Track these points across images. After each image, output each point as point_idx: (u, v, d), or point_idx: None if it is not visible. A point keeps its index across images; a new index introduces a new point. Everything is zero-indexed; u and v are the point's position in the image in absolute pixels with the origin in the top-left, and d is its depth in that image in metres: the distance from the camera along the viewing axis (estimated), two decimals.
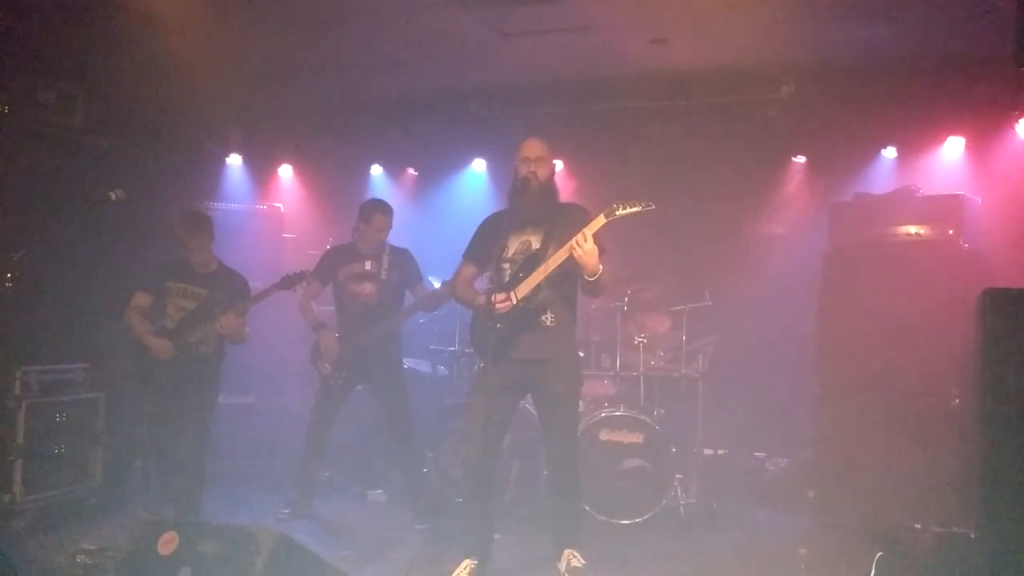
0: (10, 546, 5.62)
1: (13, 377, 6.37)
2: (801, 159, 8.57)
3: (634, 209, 5.05)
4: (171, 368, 6.32)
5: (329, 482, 7.66)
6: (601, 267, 5.16)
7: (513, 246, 5.48)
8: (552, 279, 5.28)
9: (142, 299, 6.46)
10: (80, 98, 7.45)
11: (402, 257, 7.04)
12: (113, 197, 6.02)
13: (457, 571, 5.35)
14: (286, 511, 6.91)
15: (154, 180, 7.93)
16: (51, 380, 6.65)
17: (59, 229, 7.00)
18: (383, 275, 6.90)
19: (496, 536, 5.66)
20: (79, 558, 5.51)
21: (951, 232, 6.61)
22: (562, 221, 5.36)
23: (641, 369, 7.41)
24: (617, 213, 5.05)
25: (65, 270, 7.13)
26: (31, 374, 6.49)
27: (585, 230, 5.07)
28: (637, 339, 7.40)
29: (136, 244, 7.53)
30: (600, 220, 5.08)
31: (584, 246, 5.05)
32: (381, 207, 7.01)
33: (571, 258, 5.12)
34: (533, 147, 5.52)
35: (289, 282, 6.47)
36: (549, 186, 5.58)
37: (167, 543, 4.16)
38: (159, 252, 6.97)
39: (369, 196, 7.47)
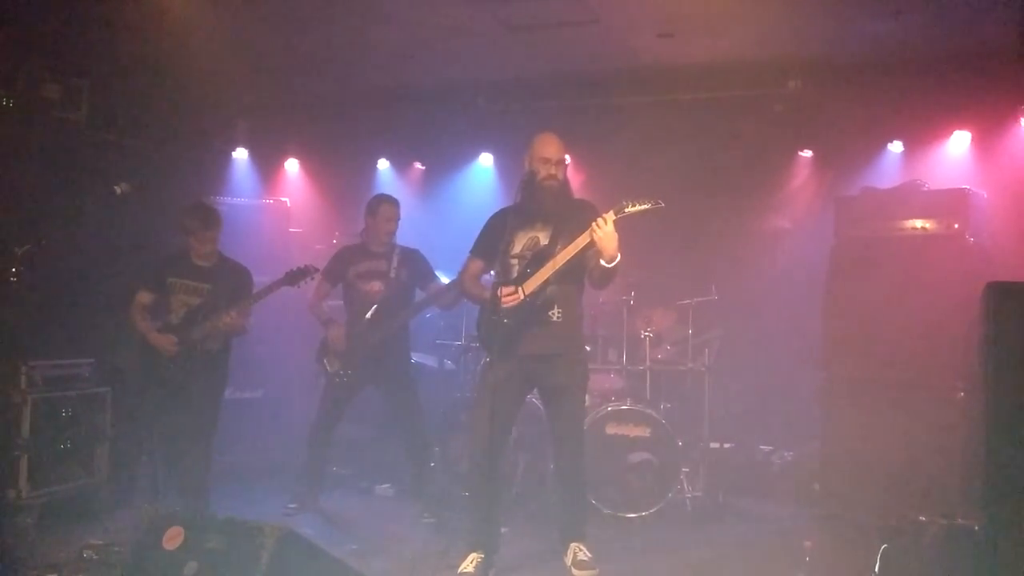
0: (16, 541, 5.64)
1: (19, 372, 6.31)
2: (808, 153, 8.60)
3: (643, 207, 5.02)
4: (177, 364, 6.30)
5: (336, 477, 7.66)
6: (619, 253, 5.13)
7: (521, 242, 5.48)
8: (560, 275, 5.28)
9: (144, 297, 6.45)
10: (85, 92, 7.44)
11: (412, 257, 7.02)
12: (118, 191, 6.05)
13: (464, 564, 5.36)
14: (293, 506, 6.92)
15: (159, 174, 7.91)
16: (57, 375, 6.60)
17: (64, 223, 7.00)
18: (392, 273, 6.89)
19: (503, 530, 5.70)
20: (85, 553, 5.52)
21: (957, 226, 6.58)
22: (571, 218, 5.34)
23: (647, 363, 7.41)
24: (626, 210, 5.03)
25: (70, 264, 7.11)
26: (37, 369, 6.43)
27: (605, 215, 5.05)
28: (643, 333, 7.40)
29: (142, 238, 7.50)
30: (609, 217, 5.07)
31: (604, 228, 5.01)
32: (386, 197, 7.03)
33: (582, 252, 5.13)
34: (553, 148, 5.49)
35: (293, 278, 6.39)
36: (566, 186, 5.59)
37: (173, 538, 4.16)
38: (165, 246, 6.95)
39: (376, 190, 7.46)
